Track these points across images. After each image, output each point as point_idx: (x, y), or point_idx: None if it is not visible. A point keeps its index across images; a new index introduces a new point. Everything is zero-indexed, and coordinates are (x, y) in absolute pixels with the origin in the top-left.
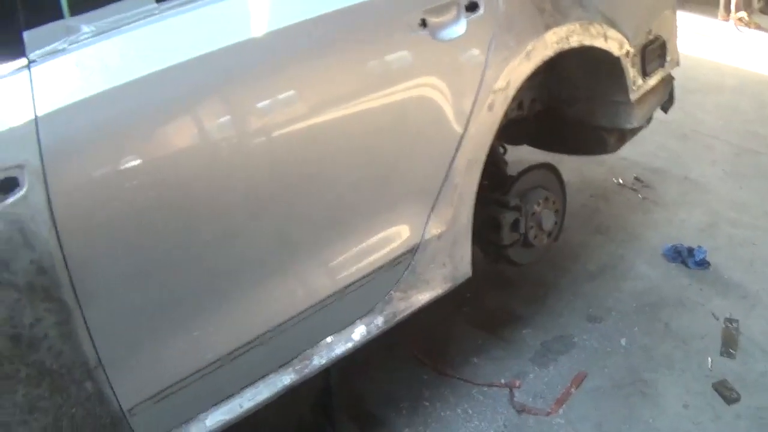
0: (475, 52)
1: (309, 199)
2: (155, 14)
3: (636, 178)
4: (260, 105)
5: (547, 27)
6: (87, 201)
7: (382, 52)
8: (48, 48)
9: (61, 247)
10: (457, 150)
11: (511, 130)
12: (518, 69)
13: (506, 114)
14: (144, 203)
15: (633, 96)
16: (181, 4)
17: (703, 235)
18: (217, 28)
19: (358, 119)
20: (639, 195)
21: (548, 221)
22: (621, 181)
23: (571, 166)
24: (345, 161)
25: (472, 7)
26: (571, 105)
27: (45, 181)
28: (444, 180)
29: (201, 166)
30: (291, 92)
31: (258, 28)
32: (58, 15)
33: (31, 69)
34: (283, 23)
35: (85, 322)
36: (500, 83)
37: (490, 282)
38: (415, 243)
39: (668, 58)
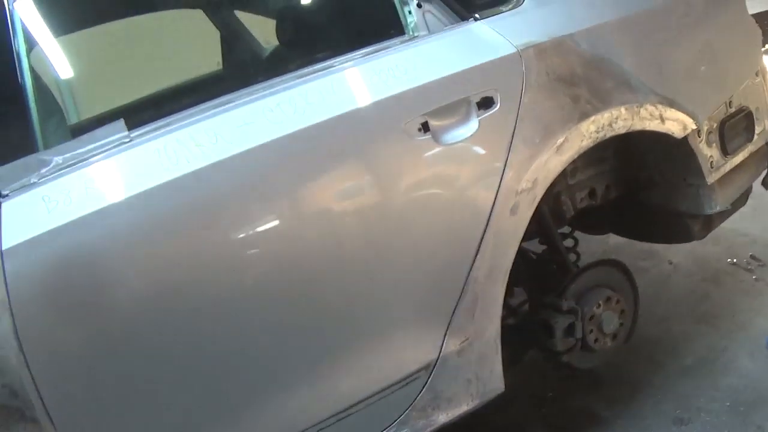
0: (492, 152)
1: (306, 317)
2: (126, 142)
3: (752, 257)
4: (250, 222)
5: (584, 116)
6: (52, 327)
7: (379, 162)
8: (19, 183)
9: (29, 370)
10: (474, 260)
11: (588, 219)
12: (547, 166)
13: (575, 205)
14: (111, 328)
15: (711, 178)
16: (153, 130)
17: None
18: (193, 151)
19: (354, 233)
20: (753, 276)
21: (610, 324)
22: (735, 260)
23: (684, 248)
24: (347, 273)
25: (486, 104)
26: (648, 189)
27: (10, 310)
28: (461, 292)
29: (181, 286)
30: (278, 211)
31: (237, 146)
32: (32, 148)
33: (2, 204)
34: (268, 137)
35: None
36: (525, 184)
37: (576, 380)
38: (431, 359)
39: (758, 130)
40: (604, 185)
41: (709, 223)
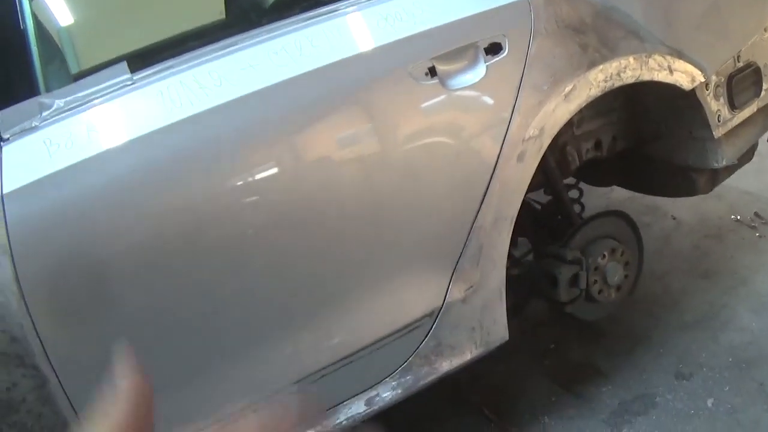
0: (499, 98)
1: (309, 263)
2: (129, 85)
3: (756, 214)
4: (254, 167)
5: (592, 64)
6: (53, 273)
7: (384, 107)
8: (20, 126)
9: (30, 317)
10: (480, 207)
11: (593, 171)
12: (555, 114)
13: (580, 156)
14: (111, 273)
15: (718, 132)
16: (156, 72)
17: None
18: (197, 93)
19: (359, 178)
20: (756, 234)
21: (614, 275)
22: (739, 217)
23: (687, 204)
24: (349, 220)
25: (494, 50)
26: (654, 142)
27: (11, 256)
28: (466, 240)
29: (183, 232)
30: (282, 156)
31: (243, 88)
32: (34, 91)
33: (3, 147)
34: (272, 80)
35: (62, 387)
36: (532, 131)
37: (577, 332)
38: (436, 307)
39: (766, 86)
40: (610, 136)
41: (715, 177)
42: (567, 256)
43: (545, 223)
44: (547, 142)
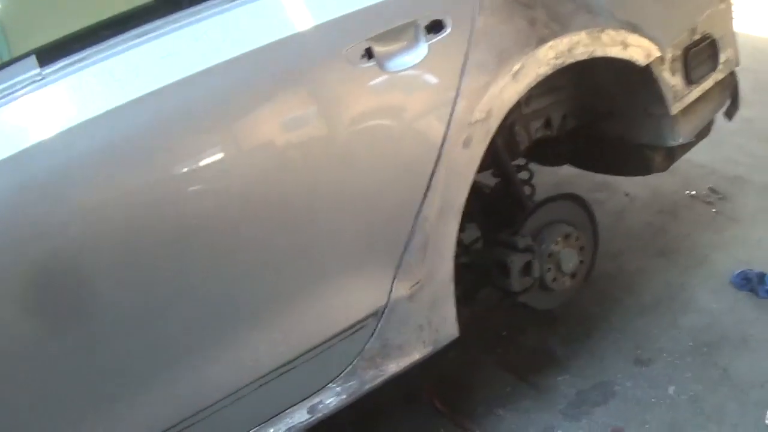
0: (442, 80)
1: (242, 260)
2: (38, 80)
3: (711, 189)
4: (175, 162)
5: (542, 40)
6: None
7: (318, 92)
8: None
9: None
10: (425, 197)
11: (543, 151)
12: (502, 95)
13: (530, 135)
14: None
15: (675, 108)
16: (68, 65)
17: None
18: (112, 87)
19: (294, 169)
20: (712, 209)
21: (569, 262)
22: (694, 192)
23: (640, 180)
24: (281, 214)
25: (436, 28)
26: (607, 120)
27: None
28: (410, 233)
29: (95, 234)
30: (209, 149)
31: (162, 78)
32: None
33: None
34: (195, 69)
35: None
36: (478, 114)
37: (530, 318)
38: (380, 306)
39: (722, 59)
40: (560, 115)
41: (671, 155)
42: (519, 244)
43: (495, 208)
44: (495, 125)
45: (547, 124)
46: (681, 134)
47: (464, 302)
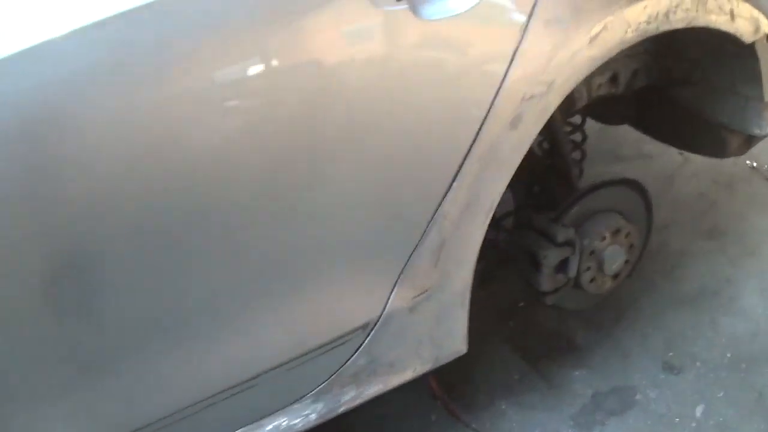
0: (494, 37)
1: (211, 258)
2: None
3: None
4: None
5: None
6: None
7: (327, 41)
8: None
9: None
10: (448, 189)
11: (602, 106)
12: (573, 63)
13: (590, 92)
14: None
15: None
16: None
17: None
18: None
19: (287, 142)
20: None
21: (614, 262)
22: (755, 165)
23: None
24: (254, 204)
25: None
26: (684, 87)
27: None
28: (424, 231)
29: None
30: (182, 114)
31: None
32: None
33: None
34: None
35: None
36: (536, 87)
37: None
38: (371, 318)
39: None
40: (630, 70)
41: (750, 141)
42: (557, 237)
43: (538, 178)
44: (556, 102)
45: (614, 79)
46: None
47: (481, 281)
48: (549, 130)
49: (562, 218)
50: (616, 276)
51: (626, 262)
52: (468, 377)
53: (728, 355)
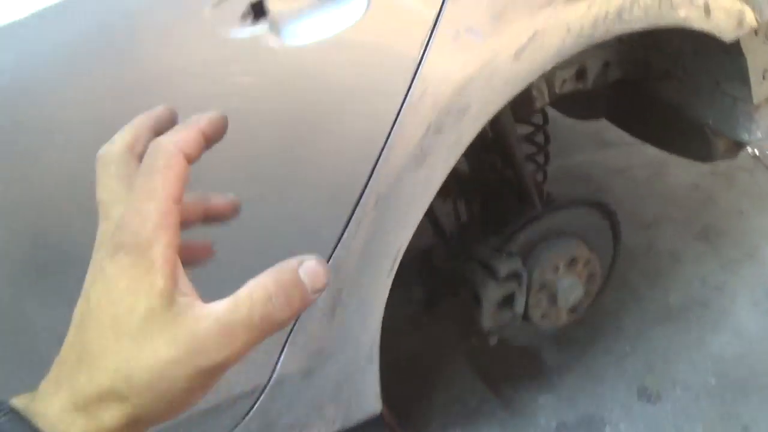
0: (386, 59)
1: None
2: None
3: None
4: None
5: None
6: None
7: (167, 75)
8: None
9: None
10: (340, 237)
11: (572, 102)
12: (493, 83)
13: (551, 90)
14: None
15: (759, 94)
16: None
17: None
18: None
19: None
20: None
21: (569, 296)
22: (757, 153)
23: None
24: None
25: None
26: (664, 80)
27: None
28: None
29: None
30: None
31: None
32: None
33: None
34: None
35: None
36: (446, 117)
37: None
38: (258, 384)
39: None
40: (600, 63)
41: (741, 144)
42: (499, 270)
43: (489, 194)
44: (473, 131)
45: (581, 74)
46: (759, 128)
47: (425, 307)
48: (497, 139)
49: (507, 246)
50: (574, 309)
51: (586, 293)
52: (422, 403)
53: (712, 381)
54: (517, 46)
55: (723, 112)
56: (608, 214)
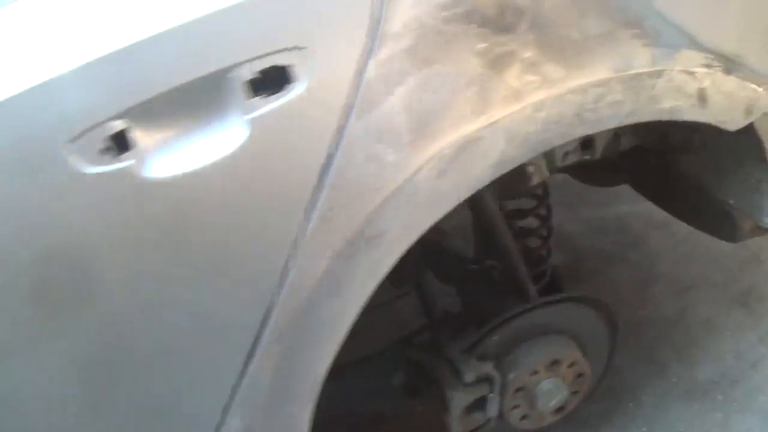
0: (274, 191)
1: None
2: None
3: None
4: None
5: (517, 96)
6: None
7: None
8: None
9: None
10: (240, 378)
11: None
12: (414, 204)
13: (552, 164)
14: None
15: None
16: None
17: None
18: None
19: None
20: None
21: (552, 398)
22: None
23: None
24: None
25: (272, 82)
26: (682, 153)
27: None
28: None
29: None
30: None
31: None
32: None
33: None
34: None
35: None
36: (356, 244)
37: None
38: None
39: None
40: (609, 133)
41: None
42: (465, 376)
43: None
44: (394, 256)
45: (587, 145)
46: None
47: (407, 393)
48: (477, 223)
49: (478, 347)
50: (560, 409)
51: (575, 393)
52: None
53: None
54: (441, 161)
55: (745, 193)
56: (605, 311)
